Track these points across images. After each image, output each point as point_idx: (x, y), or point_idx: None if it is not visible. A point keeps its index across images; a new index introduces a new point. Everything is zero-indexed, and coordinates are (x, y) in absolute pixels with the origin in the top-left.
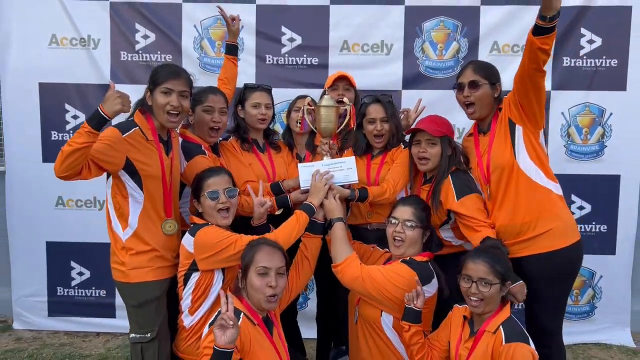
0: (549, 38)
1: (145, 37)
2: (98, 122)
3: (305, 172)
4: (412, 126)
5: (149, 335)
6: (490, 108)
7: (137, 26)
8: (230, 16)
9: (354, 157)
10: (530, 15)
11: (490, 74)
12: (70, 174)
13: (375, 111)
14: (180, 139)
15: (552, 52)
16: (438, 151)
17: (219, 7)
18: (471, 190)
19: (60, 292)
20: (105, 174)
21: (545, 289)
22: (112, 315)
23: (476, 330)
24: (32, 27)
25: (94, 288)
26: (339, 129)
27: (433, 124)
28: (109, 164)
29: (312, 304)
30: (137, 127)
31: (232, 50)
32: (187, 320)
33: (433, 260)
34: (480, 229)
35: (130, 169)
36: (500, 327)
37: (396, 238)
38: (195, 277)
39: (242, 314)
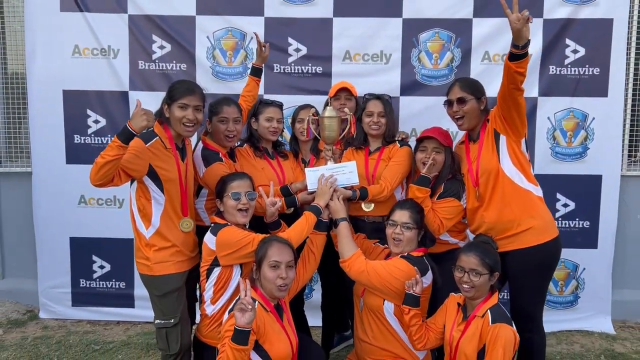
0: (523, 62)
1: (162, 47)
2: (127, 137)
3: (312, 176)
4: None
5: (172, 320)
6: (478, 119)
7: (154, 37)
8: (263, 43)
9: (355, 161)
10: None
11: (475, 89)
12: (104, 182)
13: (374, 105)
14: (201, 146)
15: (539, 61)
16: (442, 159)
17: (256, 34)
18: (452, 195)
19: (83, 284)
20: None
21: (529, 278)
22: (131, 305)
23: (468, 316)
24: (56, 39)
25: (114, 280)
26: (341, 136)
27: (441, 134)
28: (136, 172)
29: (316, 295)
30: (157, 137)
31: (257, 72)
32: (209, 309)
33: (428, 255)
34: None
35: (152, 174)
36: (488, 311)
37: (395, 238)
38: (216, 271)
39: (256, 302)
